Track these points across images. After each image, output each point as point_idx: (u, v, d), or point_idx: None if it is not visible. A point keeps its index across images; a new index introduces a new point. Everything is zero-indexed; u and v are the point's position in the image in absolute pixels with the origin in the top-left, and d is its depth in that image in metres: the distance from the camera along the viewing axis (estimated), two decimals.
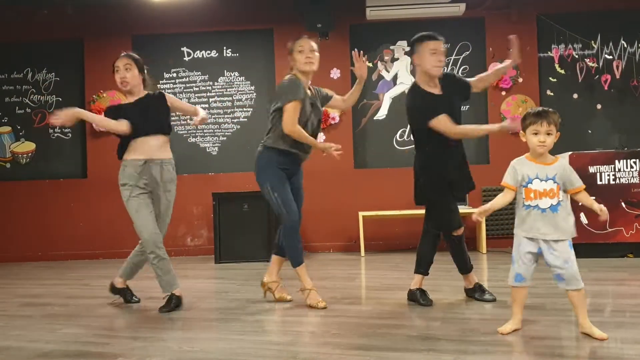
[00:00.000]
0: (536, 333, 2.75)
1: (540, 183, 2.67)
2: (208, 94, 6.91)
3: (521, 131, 2.76)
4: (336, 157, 3.55)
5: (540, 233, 2.66)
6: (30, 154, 7.01)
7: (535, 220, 2.66)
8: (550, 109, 2.73)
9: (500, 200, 2.73)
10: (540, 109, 2.74)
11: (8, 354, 2.68)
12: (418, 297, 3.52)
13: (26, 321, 3.41)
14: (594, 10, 6.57)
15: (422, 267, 3.61)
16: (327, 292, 4.00)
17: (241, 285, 4.53)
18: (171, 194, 3.76)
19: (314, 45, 3.62)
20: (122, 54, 3.78)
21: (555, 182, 2.66)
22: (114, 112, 3.67)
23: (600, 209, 2.62)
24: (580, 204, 2.75)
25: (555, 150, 6.74)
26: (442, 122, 3.33)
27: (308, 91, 3.61)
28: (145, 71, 3.81)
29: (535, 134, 2.68)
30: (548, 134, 2.68)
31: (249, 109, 6.89)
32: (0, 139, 7.03)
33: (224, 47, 6.93)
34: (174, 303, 3.56)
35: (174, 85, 6.89)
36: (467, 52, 6.72)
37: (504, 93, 6.59)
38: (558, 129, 2.72)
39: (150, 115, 3.65)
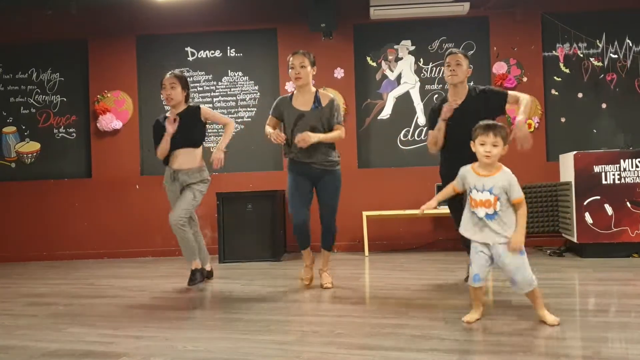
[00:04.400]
0: (540, 333, 2.74)
1: (477, 193, 2.90)
2: (212, 94, 6.92)
3: (472, 141, 2.97)
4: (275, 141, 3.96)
5: (480, 237, 2.91)
6: (35, 154, 7.03)
7: (475, 225, 2.93)
8: (498, 124, 2.93)
9: (442, 193, 3.14)
10: (490, 122, 2.94)
11: (13, 353, 2.69)
12: None
13: (31, 320, 3.43)
14: (599, 9, 6.54)
15: None
16: (331, 292, 4.01)
17: (245, 285, 4.54)
18: (195, 186, 4.35)
19: (305, 60, 3.96)
20: (169, 73, 4.35)
21: (492, 194, 2.86)
22: (157, 127, 4.38)
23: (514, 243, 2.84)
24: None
25: (561, 150, 6.75)
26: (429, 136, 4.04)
27: (296, 104, 3.98)
28: (189, 87, 4.43)
29: (482, 144, 2.88)
30: (494, 145, 2.86)
31: (252, 109, 6.89)
32: (5, 139, 7.06)
33: (228, 47, 6.94)
34: (197, 277, 4.32)
35: None
36: (472, 52, 6.70)
37: None
38: (506, 140, 2.90)
39: (182, 131, 4.24)
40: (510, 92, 3.88)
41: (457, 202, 3.75)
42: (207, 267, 4.63)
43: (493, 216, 2.86)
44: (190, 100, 4.60)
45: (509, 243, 2.82)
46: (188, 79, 6.98)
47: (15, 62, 7.06)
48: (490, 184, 2.87)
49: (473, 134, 2.96)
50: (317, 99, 4.00)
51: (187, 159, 4.30)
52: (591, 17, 6.56)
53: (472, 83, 6.65)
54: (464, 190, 3.03)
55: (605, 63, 6.55)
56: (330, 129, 4.00)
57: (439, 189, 6.55)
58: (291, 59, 3.98)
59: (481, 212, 2.88)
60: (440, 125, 3.89)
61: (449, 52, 3.92)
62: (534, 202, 6.17)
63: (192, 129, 4.30)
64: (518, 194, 2.85)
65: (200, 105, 4.42)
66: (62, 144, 7.02)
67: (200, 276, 4.34)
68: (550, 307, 3.17)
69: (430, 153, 4.19)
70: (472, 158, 3.52)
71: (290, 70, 3.98)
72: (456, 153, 3.74)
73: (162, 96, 4.41)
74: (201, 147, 4.43)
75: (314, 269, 4.34)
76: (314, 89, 4.06)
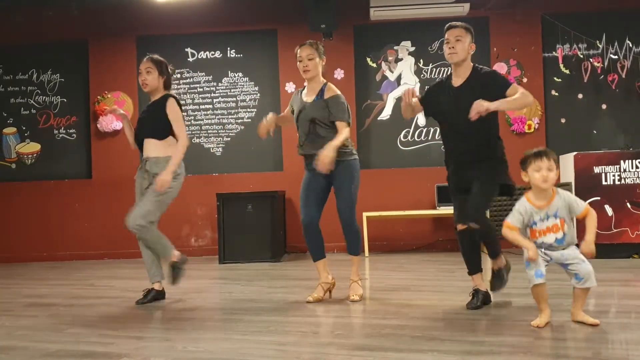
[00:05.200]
0: (541, 334, 2.74)
1: (542, 223, 2.84)
2: (212, 95, 6.93)
3: (522, 171, 2.87)
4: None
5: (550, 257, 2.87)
6: (35, 155, 7.04)
7: (545, 253, 2.85)
8: (546, 148, 2.89)
9: (513, 237, 2.85)
10: (539, 148, 2.88)
11: (13, 354, 2.69)
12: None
13: (31, 321, 3.43)
14: (598, 9, 6.55)
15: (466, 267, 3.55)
16: (332, 292, 4.00)
17: (245, 285, 4.54)
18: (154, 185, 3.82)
19: (311, 52, 3.75)
20: (146, 57, 4.02)
21: (557, 217, 2.81)
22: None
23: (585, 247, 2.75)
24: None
25: (561, 150, 6.74)
26: None
27: (304, 96, 3.83)
28: (169, 74, 4.03)
29: (538, 170, 2.79)
30: (549, 169, 2.78)
31: (252, 110, 6.89)
32: (5, 139, 7.06)
33: (228, 48, 6.95)
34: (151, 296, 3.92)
35: (178, 86, 6.90)
36: (472, 52, 6.69)
37: None
38: (558, 164, 2.84)
39: (146, 122, 3.95)
40: (513, 86, 3.32)
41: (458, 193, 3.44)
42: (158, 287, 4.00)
43: (562, 240, 2.82)
44: (176, 94, 4.37)
45: (582, 249, 2.76)
46: (188, 79, 7.08)
47: (15, 63, 7.07)
48: (554, 209, 2.81)
49: (522, 164, 2.85)
50: (321, 91, 3.78)
51: (154, 147, 3.89)
52: (591, 17, 6.56)
53: None
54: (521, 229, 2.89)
55: (605, 64, 6.55)
56: (333, 123, 3.70)
57: (439, 189, 6.53)
58: (298, 51, 3.78)
59: (551, 238, 2.82)
60: (413, 104, 3.50)
61: (448, 25, 3.42)
62: None
63: (154, 119, 3.89)
64: (581, 207, 2.80)
65: (171, 97, 3.93)
66: (63, 145, 7.02)
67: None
68: (550, 308, 3.17)
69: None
70: (472, 147, 3.31)
71: (298, 63, 3.78)
72: (457, 143, 3.43)
73: (140, 82, 4.02)
74: (169, 138, 3.90)
75: (328, 285, 3.83)
76: (323, 81, 3.81)
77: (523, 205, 2.87)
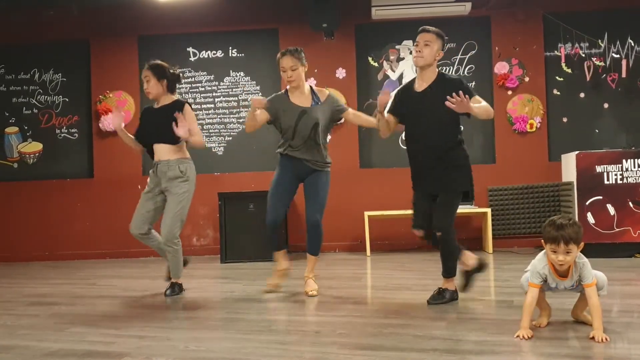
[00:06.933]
0: (543, 333, 2.74)
1: (559, 285, 2.77)
2: (214, 94, 6.93)
3: (542, 240, 2.71)
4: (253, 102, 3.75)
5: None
6: (37, 154, 7.05)
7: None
8: (569, 222, 2.61)
9: (529, 300, 2.71)
10: (559, 222, 2.61)
11: (15, 353, 2.69)
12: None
13: (33, 320, 3.43)
14: (600, 8, 6.53)
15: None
16: (333, 292, 4.00)
17: (247, 285, 4.54)
18: (174, 189, 4.02)
19: (294, 62, 3.83)
20: (145, 66, 4.11)
21: (572, 282, 2.75)
22: (143, 114, 4.24)
23: (597, 334, 2.56)
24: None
25: (563, 149, 6.70)
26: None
27: (296, 101, 3.89)
28: (169, 76, 4.09)
29: (554, 252, 2.63)
30: (567, 252, 2.60)
31: None
32: (7, 139, 7.07)
33: (230, 47, 6.95)
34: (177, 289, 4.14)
35: (180, 86, 6.89)
36: (473, 52, 6.70)
37: (510, 92, 6.56)
38: (579, 241, 2.61)
39: (160, 127, 3.99)
40: (476, 97, 3.36)
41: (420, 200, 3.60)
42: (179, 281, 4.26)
43: (577, 287, 2.77)
44: (178, 94, 4.43)
45: (594, 338, 2.56)
46: (190, 79, 7.08)
47: (17, 63, 7.07)
48: (570, 282, 2.74)
49: (543, 231, 2.67)
50: (315, 95, 3.93)
51: (166, 151, 4.02)
52: (593, 16, 6.55)
53: (472, 83, 6.68)
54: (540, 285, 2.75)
55: (607, 63, 6.54)
56: (331, 123, 4.06)
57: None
58: (280, 61, 3.85)
59: (565, 284, 2.75)
60: (378, 116, 3.62)
61: (421, 29, 3.47)
62: (535, 202, 6.17)
63: (170, 126, 3.89)
64: (589, 280, 2.65)
65: (187, 103, 4.09)
66: (65, 144, 7.03)
67: (179, 289, 4.15)
68: (552, 308, 3.17)
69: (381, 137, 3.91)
70: (430, 151, 3.39)
71: (281, 72, 3.87)
72: (414, 145, 3.51)
73: None
74: (182, 143, 4.05)
75: (287, 274, 4.08)
76: (308, 86, 3.96)
77: (543, 270, 2.72)
